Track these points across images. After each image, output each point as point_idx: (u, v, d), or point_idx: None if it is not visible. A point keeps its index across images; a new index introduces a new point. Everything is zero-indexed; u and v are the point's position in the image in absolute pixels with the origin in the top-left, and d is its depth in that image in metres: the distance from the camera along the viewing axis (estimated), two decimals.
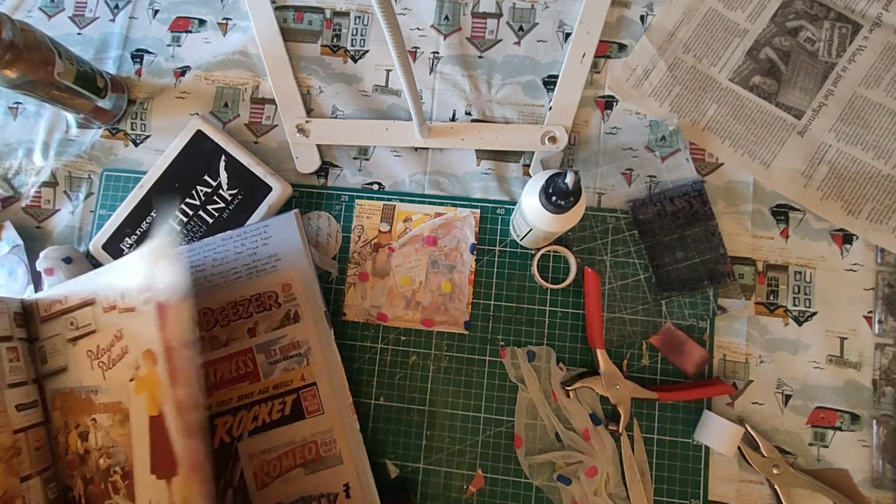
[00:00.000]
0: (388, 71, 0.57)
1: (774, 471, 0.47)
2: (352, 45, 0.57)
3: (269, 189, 0.52)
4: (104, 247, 0.53)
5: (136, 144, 0.57)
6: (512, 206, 0.53)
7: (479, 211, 0.53)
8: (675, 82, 0.54)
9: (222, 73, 0.57)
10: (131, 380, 0.41)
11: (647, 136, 0.53)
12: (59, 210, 0.57)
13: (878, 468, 0.48)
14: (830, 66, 0.53)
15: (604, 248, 0.52)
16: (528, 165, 0.54)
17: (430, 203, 0.54)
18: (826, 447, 0.49)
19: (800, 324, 0.50)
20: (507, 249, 0.53)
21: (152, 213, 0.53)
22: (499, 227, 0.53)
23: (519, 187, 0.54)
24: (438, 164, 0.55)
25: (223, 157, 0.53)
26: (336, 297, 0.53)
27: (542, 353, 0.51)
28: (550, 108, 0.54)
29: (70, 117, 0.58)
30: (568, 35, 0.56)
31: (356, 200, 0.54)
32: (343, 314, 0.52)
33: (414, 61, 0.57)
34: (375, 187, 0.55)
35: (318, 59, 0.57)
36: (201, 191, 0.53)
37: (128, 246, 0.53)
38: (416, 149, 0.55)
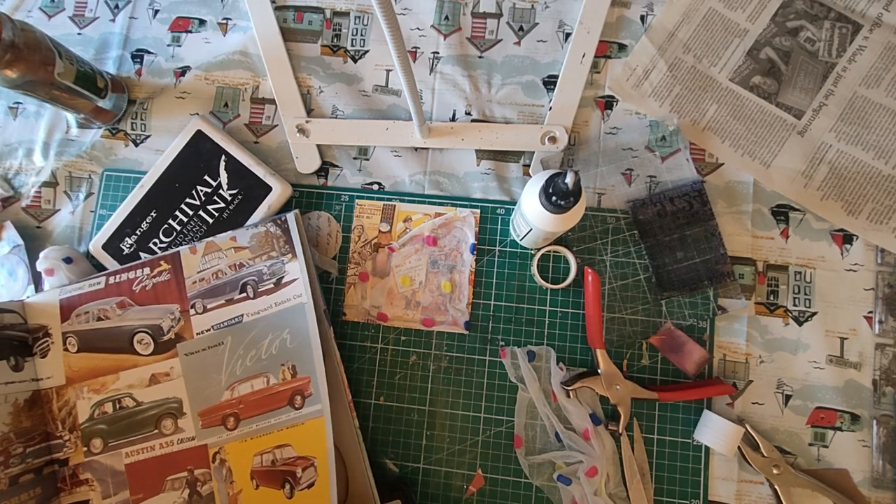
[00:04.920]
0: (388, 71, 0.57)
1: (774, 471, 0.47)
2: (352, 45, 0.57)
3: (269, 189, 0.52)
4: (104, 247, 0.53)
5: (136, 144, 0.57)
6: (512, 206, 0.53)
7: (479, 211, 0.53)
8: (675, 82, 0.54)
9: (222, 73, 0.57)
10: None
11: (647, 136, 0.53)
12: (59, 210, 0.57)
13: (878, 468, 0.48)
14: (831, 66, 0.53)
15: (604, 248, 0.52)
16: (528, 165, 0.54)
17: (430, 203, 0.54)
18: (826, 447, 0.49)
19: (800, 324, 0.50)
20: (507, 249, 0.53)
21: (152, 213, 0.53)
22: (499, 227, 0.53)
23: (519, 187, 0.54)
24: (438, 164, 0.55)
25: (223, 157, 0.53)
26: (336, 297, 0.53)
27: (542, 353, 0.51)
28: (550, 108, 0.54)
29: (70, 117, 0.58)
30: (568, 35, 0.56)
31: (356, 200, 0.54)
32: (343, 314, 0.52)
33: (414, 61, 0.57)
34: (375, 187, 0.55)
35: (318, 59, 0.57)
36: (201, 191, 0.53)
37: (128, 246, 0.53)
38: (416, 149, 0.55)
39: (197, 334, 0.48)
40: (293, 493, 0.44)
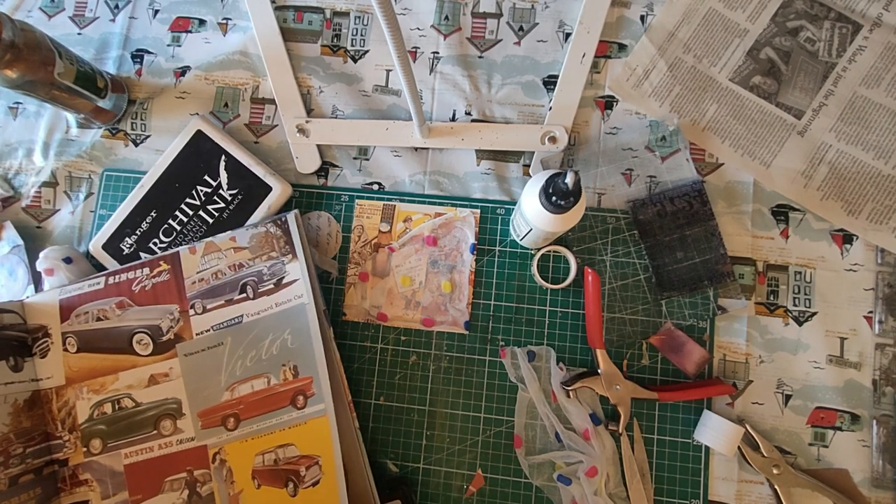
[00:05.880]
0: (388, 71, 0.57)
1: (774, 471, 0.47)
2: (352, 45, 0.57)
3: (269, 189, 0.52)
4: (104, 247, 0.53)
5: (136, 144, 0.57)
6: (512, 206, 0.53)
7: (479, 211, 0.53)
8: (675, 82, 0.54)
9: (222, 73, 0.57)
10: None
11: (647, 136, 0.53)
12: (59, 210, 0.57)
13: (878, 468, 0.48)
14: (831, 66, 0.53)
15: (604, 248, 0.52)
16: (528, 165, 0.54)
17: (430, 203, 0.54)
18: (826, 447, 0.49)
19: (800, 324, 0.50)
20: (507, 249, 0.53)
21: (152, 213, 0.53)
22: (499, 227, 0.53)
23: (519, 187, 0.54)
24: (438, 164, 0.55)
25: (223, 157, 0.53)
26: (336, 297, 0.53)
27: (542, 353, 0.51)
28: (550, 108, 0.54)
29: (70, 117, 0.58)
30: (568, 35, 0.56)
31: (356, 200, 0.54)
32: (343, 314, 0.52)
33: (414, 61, 0.57)
34: (375, 187, 0.55)
35: (318, 59, 0.57)
36: (201, 191, 0.53)
37: (128, 246, 0.53)
38: (416, 149, 0.55)
39: (196, 335, 0.47)
40: (297, 491, 0.44)
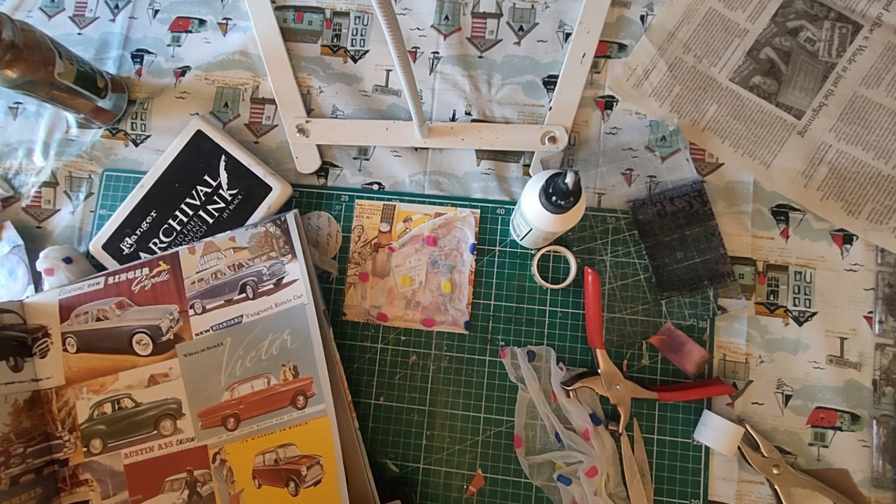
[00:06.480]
0: (388, 71, 0.57)
1: (774, 471, 0.47)
2: (352, 45, 0.57)
3: (269, 189, 0.52)
4: (104, 247, 0.53)
5: (136, 144, 0.57)
6: (512, 206, 0.53)
7: (479, 211, 0.53)
8: (675, 82, 0.54)
9: (222, 73, 0.57)
10: None
11: (647, 136, 0.53)
12: (59, 210, 0.57)
13: (879, 468, 0.48)
14: (831, 66, 0.53)
15: (604, 248, 0.52)
16: (528, 165, 0.54)
17: (430, 203, 0.54)
18: (826, 447, 0.49)
19: (800, 324, 0.50)
20: (507, 249, 0.53)
21: (152, 213, 0.53)
22: (499, 227, 0.53)
23: (519, 187, 0.54)
24: (438, 164, 0.55)
25: (223, 157, 0.53)
26: (336, 297, 0.53)
27: (542, 353, 0.51)
28: (550, 108, 0.54)
29: (70, 117, 0.58)
30: (568, 35, 0.56)
31: (356, 200, 0.54)
32: (343, 314, 0.52)
33: (414, 61, 0.57)
34: (375, 187, 0.55)
35: (318, 59, 0.57)
36: (201, 191, 0.53)
37: (128, 246, 0.53)
38: (416, 149, 0.55)
39: (196, 335, 0.47)
40: (298, 490, 0.44)
